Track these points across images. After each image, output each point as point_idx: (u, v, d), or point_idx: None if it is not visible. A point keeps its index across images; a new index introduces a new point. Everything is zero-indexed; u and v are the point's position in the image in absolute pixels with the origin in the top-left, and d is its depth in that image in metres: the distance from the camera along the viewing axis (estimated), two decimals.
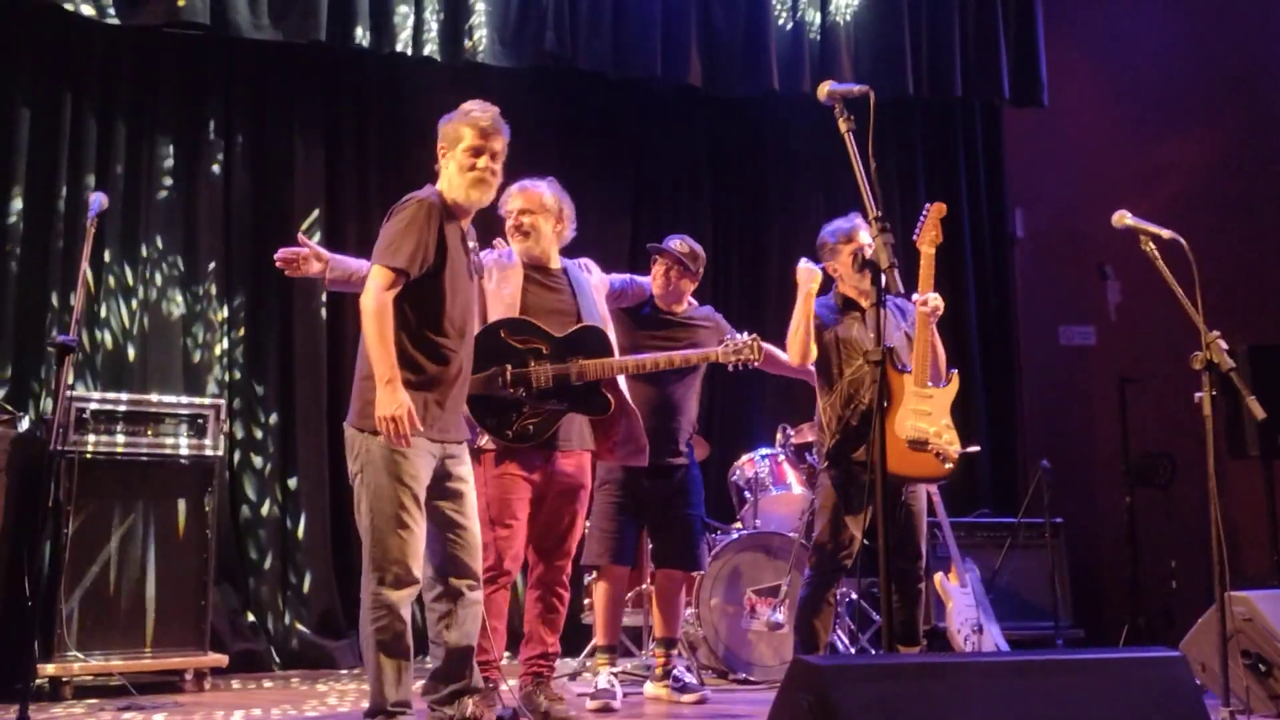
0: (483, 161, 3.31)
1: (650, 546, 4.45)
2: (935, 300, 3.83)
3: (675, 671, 4.28)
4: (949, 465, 3.87)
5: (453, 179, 3.34)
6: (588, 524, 4.18)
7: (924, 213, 3.97)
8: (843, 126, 2.77)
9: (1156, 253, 3.66)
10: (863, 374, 3.99)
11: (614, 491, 4.17)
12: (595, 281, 4.03)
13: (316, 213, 5.65)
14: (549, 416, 3.66)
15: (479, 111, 3.36)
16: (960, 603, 5.01)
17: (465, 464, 3.39)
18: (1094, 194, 6.69)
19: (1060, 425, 7.02)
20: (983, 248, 7.16)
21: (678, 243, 4.28)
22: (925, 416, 3.82)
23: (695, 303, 4.44)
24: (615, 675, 4.20)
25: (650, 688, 4.33)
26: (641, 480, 4.12)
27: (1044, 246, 7.23)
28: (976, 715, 1.88)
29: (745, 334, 4.00)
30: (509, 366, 3.62)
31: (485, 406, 3.59)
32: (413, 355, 3.21)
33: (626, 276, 4.36)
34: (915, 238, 3.95)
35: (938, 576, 5.16)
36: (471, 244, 3.45)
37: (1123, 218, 3.71)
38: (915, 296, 3.87)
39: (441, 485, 3.29)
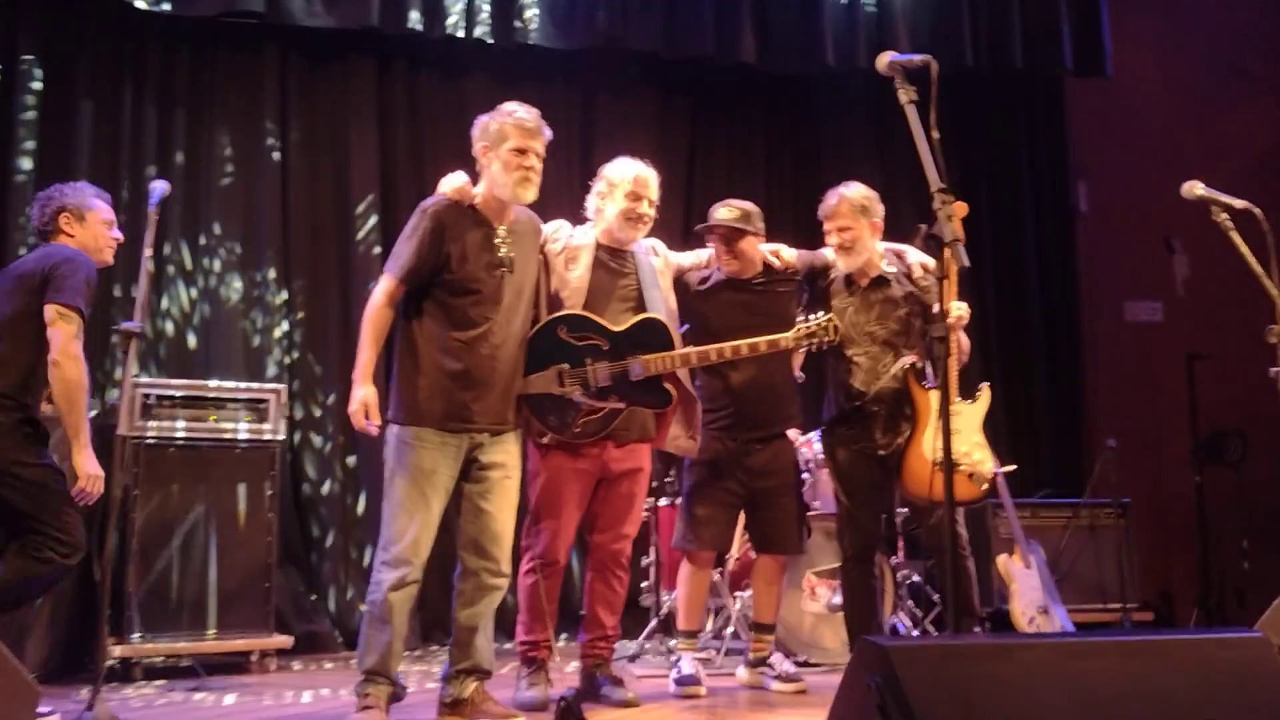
0: (529, 161, 3.44)
1: (746, 528, 4.31)
2: (961, 310, 3.71)
3: (772, 659, 4.15)
4: (984, 486, 3.73)
5: (497, 177, 3.46)
6: (650, 502, 4.13)
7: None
8: (903, 98, 2.70)
9: (1230, 223, 3.55)
10: (859, 360, 3.96)
11: (704, 473, 4.04)
12: (661, 266, 3.94)
13: (371, 196, 5.68)
14: (608, 414, 3.63)
15: (524, 111, 3.49)
16: (1025, 584, 4.92)
17: (503, 451, 3.46)
18: (1160, 166, 6.52)
19: (1127, 403, 6.88)
20: (1045, 222, 7.03)
21: (724, 211, 4.03)
22: (954, 435, 3.70)
23: (769, 258, 4.12)
24: (699, 660, 4.14)
25: (744, 673, 4.24)
26: (734, 460, 4.02)
27: (1109, 220, 7.07)
28: (1046, 697, 1.83)
29: (820, 314, 3.81)
30: (567, 366, 3.60)
31: (545, 405, 3.59)
32: (433, 353, 3.39)
33: (693, 254, 4.21)
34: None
35: (1001, 558, 5.07)
36: (510, 234, 3.49)
37: (1194, 188, 3.60)
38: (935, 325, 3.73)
39: (469, 471, 3.43)
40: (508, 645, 5.53)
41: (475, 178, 3.55)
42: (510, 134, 3.44)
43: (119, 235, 3.77)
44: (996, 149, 6.97)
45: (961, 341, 3.87)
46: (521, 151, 3.43)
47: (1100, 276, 7.08)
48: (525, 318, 3.54)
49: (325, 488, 5.46)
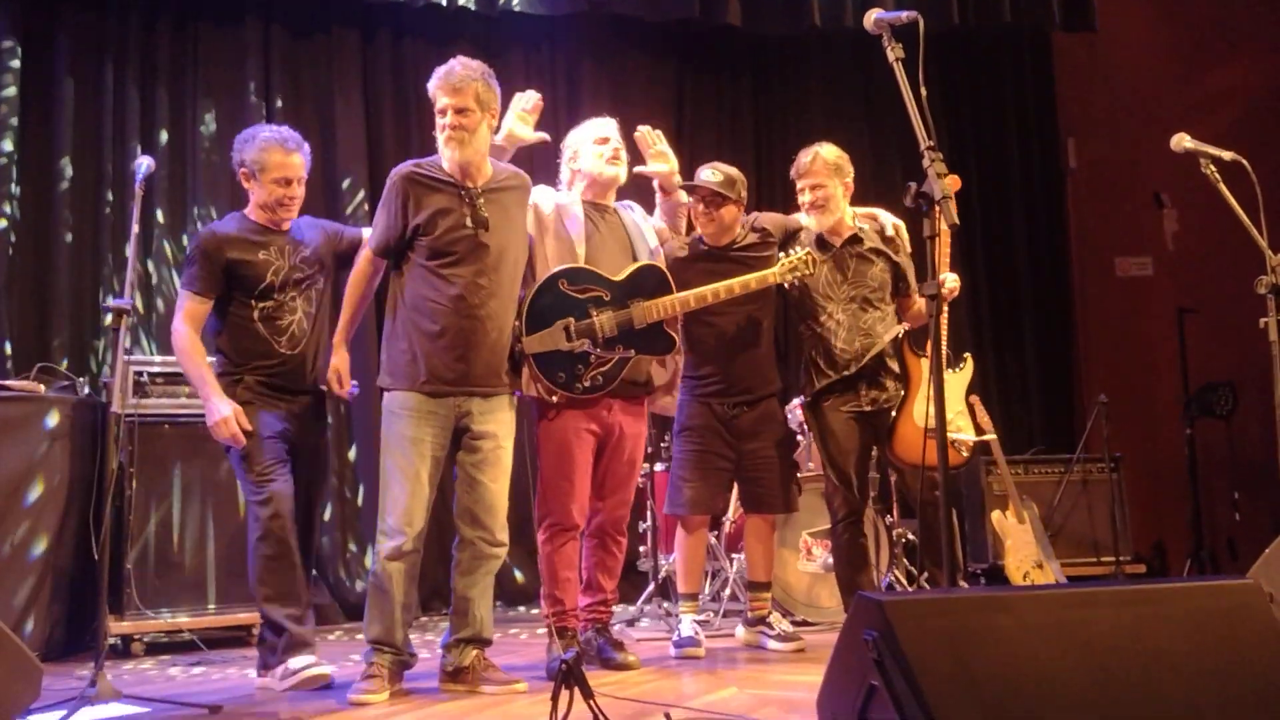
0: (450, 119, 3.43)
1: (738, 490, 4.33)
2: (954, 282, 3.76)
3: (770, 619, 4.18)
4: (965, 454, 3.93)
5: (439, 142, 3.49)
6: (645, 468, 4.14)
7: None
8: (891, 55, 2.69)
9: (1218, 175, 3.55)
10: (834, 323, 4.00)
11: (694, 438, 4.07)
12: (643, 220, 3.97)
13: (358, 168, 5.66)
14: (618, 364, 3.66)
15: (444, 69, 3.48)
16: (1019, 540, 4.96)
17: (494, 420, 3.46)
18: (1148, 121, 6.53)
19: (1118, 358, 6.91)
20: (1034, 180, 7.02)
21: (709, 174, 4.04)
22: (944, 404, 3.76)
23: (744, 220, 4.15)
24: (698, 622, 4.17)
25: (742, 633, 4.28)
26: (723, 422, 4.05)
27: (1098, 176, 7.07)
28: (1042, 647, 1.85)
29: (798, 249, 3.87)
30: (572, 320, 3.61)
31: (552, 362, 3.59)
32: (414, 316, 3.42)
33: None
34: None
35: (995, 514, 5.11)
36: (486, 193, 3.48)
37: (1182, 140, 3.60)
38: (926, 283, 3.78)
39: (461, 440, 3.46)
40: (512, 613, 5.61)
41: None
42: (436, 95, 3.46)
43: (296, 194, 3.63)
44: (984, 107, 6.95)
45: (922, 305, 3.96)
46: (442, 112, 3.44)
47: (1090, 232, 7.09)
48: (511, 277, 3.53)
49: None
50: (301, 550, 3.55)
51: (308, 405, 3.62)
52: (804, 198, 4.06)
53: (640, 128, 4.02)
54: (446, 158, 3.45)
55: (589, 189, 3.86)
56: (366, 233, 3.69)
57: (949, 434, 3.71)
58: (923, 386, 3.79)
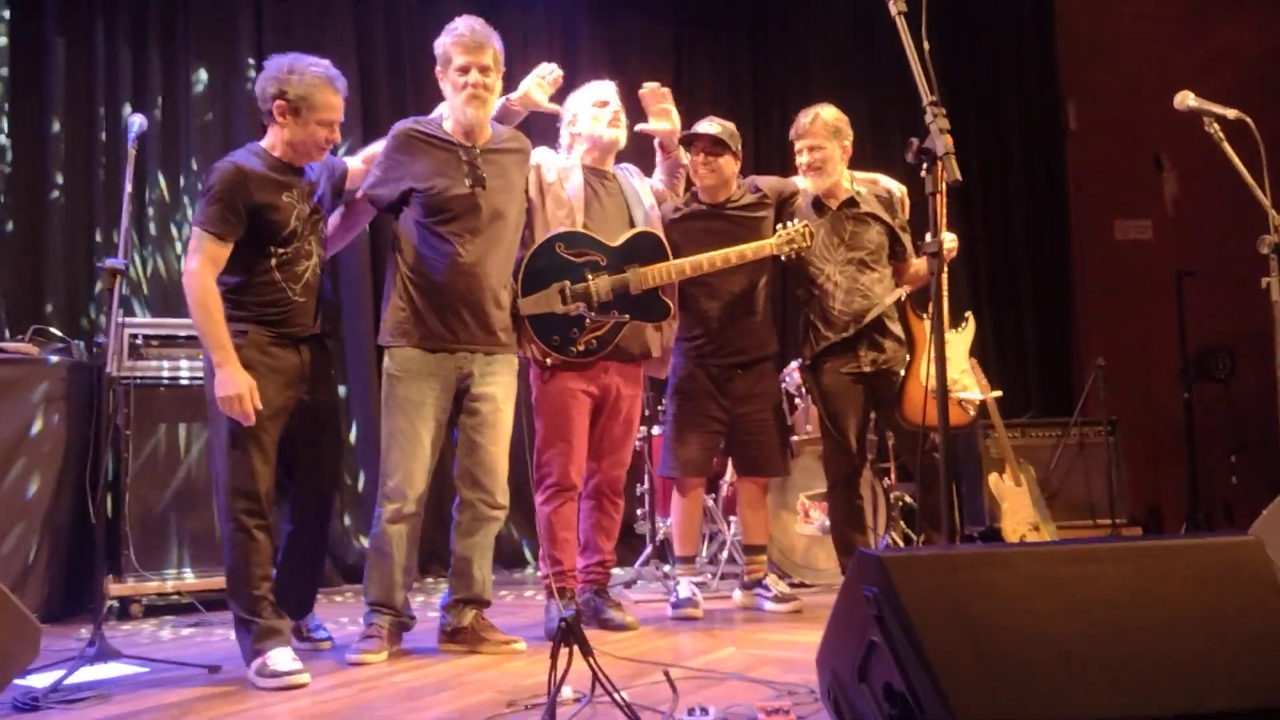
0: (473, 77, 3.39)
1: (729, 453, 4.33)
2: (952, 242, 3.76)
3: (766, 581, 4.20)
4: (971, 413, 3.94)
5: (451, 99, 3.45)
6: (643, 431, 4.13)
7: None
8: (893, 9, 2.65)
9: (1221, 134, 3.52)
10: (832, 285, 4.00)
11: (687, 401, 4.07)
12: (641, 186, 3.96)
13: (353, 128, 5.60)
14: (612, 328, 3.66)
15: (464, 26, 3.43)
16: (1016, 503, 4.97)
17: (494, 382, 3.46)
18: (1149, 83, 6.47)
19: (1116, 322, 6.90)
20: (1034, 142, 6.98)
21: (708, 125, 4.03)
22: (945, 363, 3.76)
23: (741, 181, 4.15)
24: (695, 584, 4.17)
25: (739, 596, 4.29)
26: (717, 383, 4.04)
27: (1098, 139, 7.03)
28: (1042, 602, 1.85)
29: (795, 221, 3.88)
30: (567, 283, 3.61)
31: (548, 324, 3.60)
32: (411, 273, 3.39)
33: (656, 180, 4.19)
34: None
35: (992, 477, 5.11)
36: (486, 153, 3.46)
37: (1185, 98, 3.56)
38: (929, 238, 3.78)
39: (461, 402, 3.44)
40: (510, 575, 5.63)
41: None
42: (453, 53, 3.42)
43: (336, 137, 3.31)
44: (984, 69, 6.90)
45: (920, 268, 3.99)
46: (464, 70, 3.40)
47: (1089, 195, 7.06)
48: (509, 238, 3.52)
49: None
50: (305, 517, 3.39)
51: (315, 353, 3.33)
52: (801, 159, 4.04)
53: (646, 85, 3.98)
54: (462, 116, 3.41)
55: (589, 153, 3.84)
56: (350, 161, 3.57)
57: (954, 393, 3.74)
58: (927, 348, 3.78)
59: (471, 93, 3.39)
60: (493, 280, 3.45)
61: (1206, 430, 6.23)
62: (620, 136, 3.86)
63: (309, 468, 3.37)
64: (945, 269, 2.74)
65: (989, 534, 5.44)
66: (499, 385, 3.48)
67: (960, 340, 4.03)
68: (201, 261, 3.10)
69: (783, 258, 3.90)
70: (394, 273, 3.46)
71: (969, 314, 4.17)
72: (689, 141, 4.04)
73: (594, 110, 3.83)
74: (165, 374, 4.44)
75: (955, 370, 3.79)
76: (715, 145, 3.99)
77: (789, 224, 3.86)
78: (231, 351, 3.08)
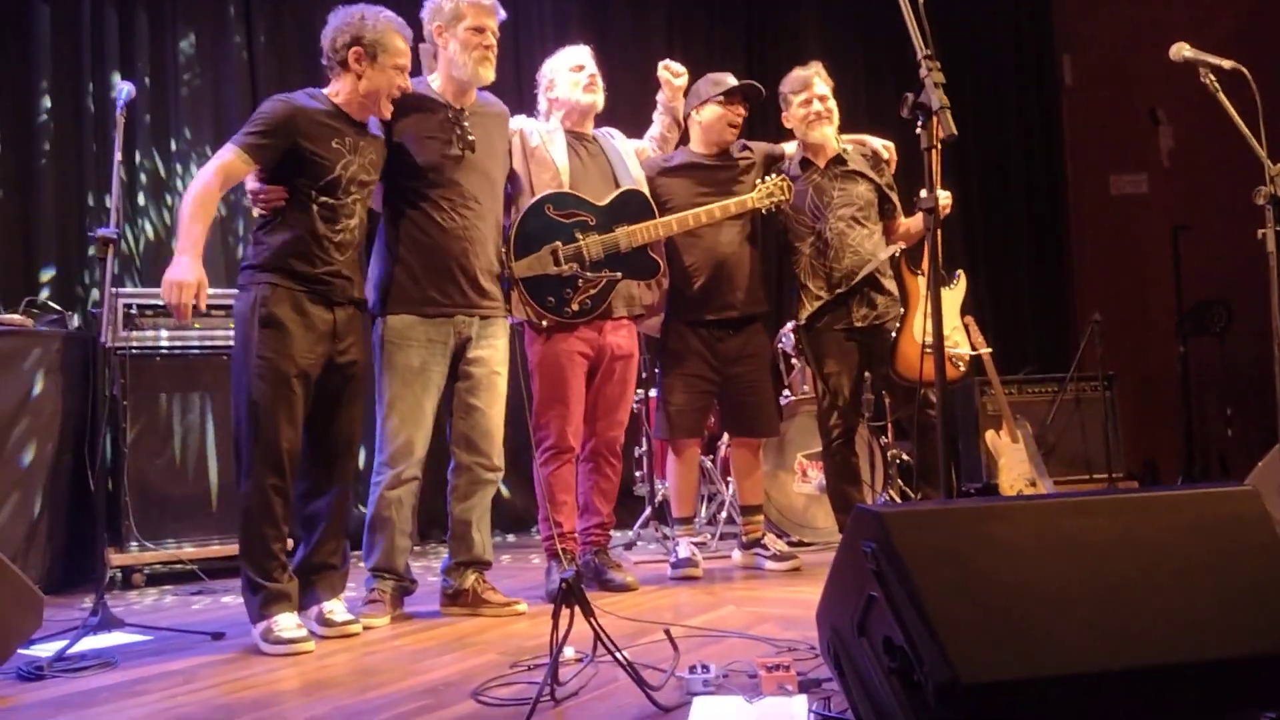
0: (487, 39, 3.41)
1: (720, 414, 4.34)
2: (946, 199, 3.75)
3: (765, 540, 4.23)
4: (961, 369, 4.04)
5: (455, 57, 3.42)
6: (640, 394, 4.13)
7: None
8: None
9: (1217, 85, 3.49)
10: (822, 243, 4.02)
11: (678, 362, 4.07)
12: (623, 146, 3.97)
13: None
14: (605, 286, 3.68)
15: None
16: (1013, 459, 4.99)
17: (490, 346, 3.45)
18: (1144, 36, 6.44)
19: (1112, 277, 6.90)
20: (1029, 97, 6.94)
21: (733, 79, 4.07)
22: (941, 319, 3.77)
23: (736, 145, 4.18)
24: (694, 544, 4.20)
25: (738, 556, 4.30)
26: (708, 344, 4.04)
27: (1093, 93, 7.00)
28: (1041, 554, 1.85)
29: (773, 175, 3.95)
30: (559, 244, 3.61)
31: (542, 286, 3.60)
32: (404, 237, 3.36)
33: (643, 140, 4.20)
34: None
35: (989, 434, 5.14)
36: (471, 116, 3.46)
37: (1181, 50, 3.54)
38: (924, 194, 3.77)
39: (457, 367, 3.43)
40: (512, 538, 5.64)
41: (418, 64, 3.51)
42: (466, 13, 3.41)
43: (408, 84, 3.27)
44: (980, 24, 6.84)
45: (911, 225, 4.06)
46: (479, 30, 3.40)
47: (1085, 150, 7.03)
48: (495, 199, 3.53)
49: None
50: (327, 482, 3.25)
51: (350, 316, 3.23)
52: (811, 108, 4.06)
53: (667, 64, 4.07)
54: (472, 75, 3.41)
55: (567, 117, 3.84)
56: None
57: (946, 349, 3.75)
58: (921, 304, 3.80)
59: (483, 53, 3.41)
60: (484, 245, 3.45)
61: (1202, 384, 6.25)
62: (597, 100, 3.86)
63: (336, 429, 3.23)
64: (940, 225, 2.73)
65: (986, 490, 5.47)
66: (494, 348, 3.48)
67: (952, 297, 4.06)
68: (215, 167, 3.03)
69: (764, 210, 3.93)
70: (383, 239, 3.44)
71: (960, 271, 4.22)
72: (730, 94, 4.03)
73: (570, 75, 3.83)
74: (162, 344, 4.44)
75: (947, 327, 3.79)
76: (746, 101, 4.06)
77: (767, 178, 3.91)
78: (198, 251, 2.94)
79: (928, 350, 3.69)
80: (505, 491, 5.63)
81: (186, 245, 2.94)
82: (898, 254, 4.04)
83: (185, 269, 2.89)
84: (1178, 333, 6.14)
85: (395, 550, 3.40)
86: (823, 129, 4.05)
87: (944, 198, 3.72)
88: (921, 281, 3.87)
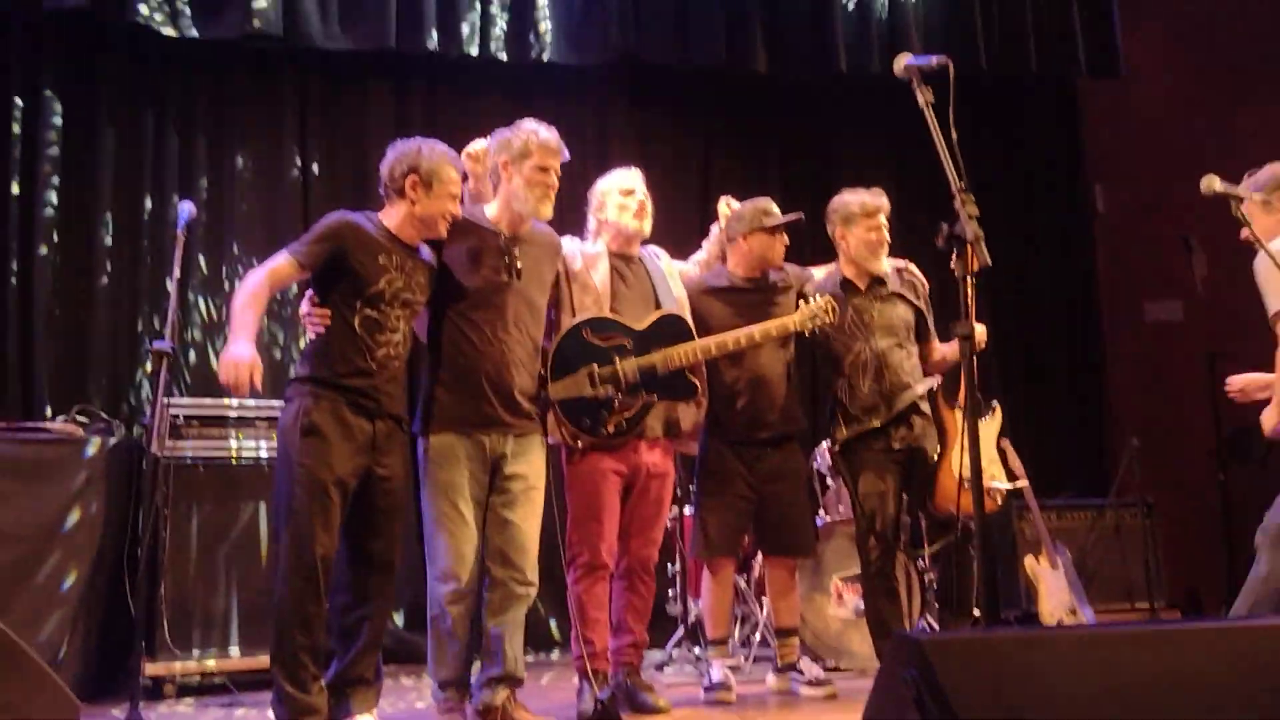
0: (551, 179, 3.58)
1: (756, 532, 4.28)
2: (980, 333, 3.77)
3: (800, 664, 4.15)
4: (999, 501, 4.00)
5: (518, 191, 3.56)
6: (674, 511, 4.11)
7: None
8: (921, 100, 2.73)
9: (1248, 218, 3.54)
10: (862, 364, 4.03)
11: (715, 480, 4.07)
12: (668, 268, 4.04)
13: None
14: (642, 409, 3.71)
15: (546, 132, 3.61)
16: (1052, 586, 4.92)
17: (526, 463, 3.52)
18: (1176, 164, 6.51)
19: (1149, 403, 6.86)
20: (1062, 224, 7.03)
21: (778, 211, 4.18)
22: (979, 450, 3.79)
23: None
24: (729, 668, 4.13)
25: (773, 680, 4.23)
26: (746, 462, 4.04)
27: (1127, 221, 7.07)
28: (1084, 688, 1.84)
29: (818, 296, 3.97)
30: (595, 366, 3.66)
31: (578, 408, 3.65)
32: (446, 359, 3.47)
33: (689, 262, 4.32)
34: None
35: (1028, 560, 5.08)
36: (522, 244, 3.59)
37: (1212, 183, 3.60)
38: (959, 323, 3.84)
39: (494, 481, 3.49)
40: (550, 656, 5.58)
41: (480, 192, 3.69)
42: (534, 152, 3.56)
43: (459, 211, 3.45)
44: (1011, 152, 6.98)
45: (946, 352, 4.10)
46: (544, 169, 3.56)
47: (1119, 277, 7.08)
48: (538, 323, 3.63)
49: None
50: (365, 598, 3.29)
51: (390, 430, 3.33)
52: (878, 235, 4.10)
53: (725, 202, 4.25)
54: (533, 210, 3.56)
55: (614, 240, 3.93)
56: None
57: (984, 481, 3.74)
58: (959, 438, 3.80)
59: (545, 191, 3.57)
60: (524, 368, 3.54)
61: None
62: (644, 227, 3.94)
63: (374, 543, 3.31)
64: (977, 349, 2.77)
65: (1025, 618, 5.37)
66: (530, 465, 3.53)
67: (987, 429, 4.04)
68: (265, 270, 3.24)
69: (806, 333, 3.94)
70: (429, 361, 3.56)
71: (995, 403, 4.21)
72: (775, 227, 4.12)
73: (619, 199, 3.92)
74: (204, 454, 4.51)
75: (984, 459, 3.79)
76: (789, 231, 4.15)
77: (812, 299, 3.94)
78: (252, 335, 3.14)
79: (966, 485, 3.74)
80: (541, 608, 5.59)
81: (240, 330, 3.13)
82: (934, 387, 4.06)
83: (241, 349, 3.08)
84: (1217, 459, 6.08)
85: (463, 663, 3.45)
86: (882, 256, 4.10)
87: (979, 332, 3.75)
88: (958, 415, 3.87)
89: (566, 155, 3.65)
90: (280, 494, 3.20)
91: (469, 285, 3.49)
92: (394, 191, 3.39)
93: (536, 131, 3.59)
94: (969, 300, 2.61)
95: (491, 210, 3.63)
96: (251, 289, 3.20)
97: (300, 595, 3.11)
